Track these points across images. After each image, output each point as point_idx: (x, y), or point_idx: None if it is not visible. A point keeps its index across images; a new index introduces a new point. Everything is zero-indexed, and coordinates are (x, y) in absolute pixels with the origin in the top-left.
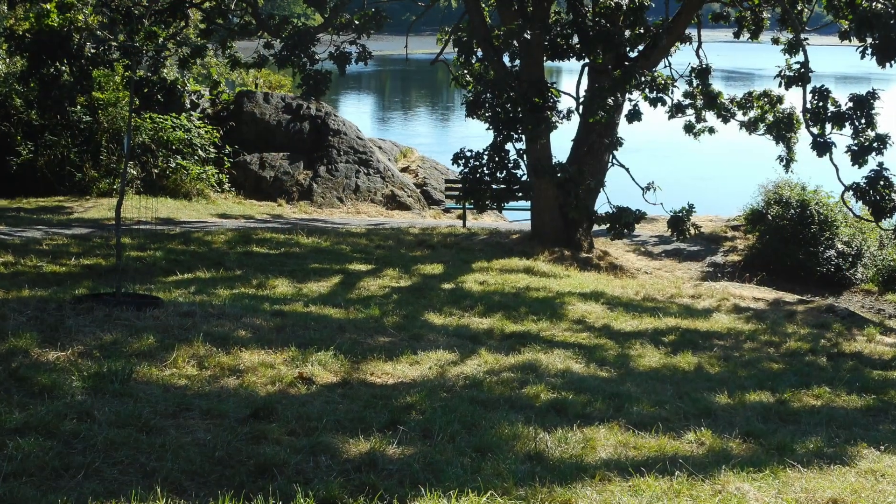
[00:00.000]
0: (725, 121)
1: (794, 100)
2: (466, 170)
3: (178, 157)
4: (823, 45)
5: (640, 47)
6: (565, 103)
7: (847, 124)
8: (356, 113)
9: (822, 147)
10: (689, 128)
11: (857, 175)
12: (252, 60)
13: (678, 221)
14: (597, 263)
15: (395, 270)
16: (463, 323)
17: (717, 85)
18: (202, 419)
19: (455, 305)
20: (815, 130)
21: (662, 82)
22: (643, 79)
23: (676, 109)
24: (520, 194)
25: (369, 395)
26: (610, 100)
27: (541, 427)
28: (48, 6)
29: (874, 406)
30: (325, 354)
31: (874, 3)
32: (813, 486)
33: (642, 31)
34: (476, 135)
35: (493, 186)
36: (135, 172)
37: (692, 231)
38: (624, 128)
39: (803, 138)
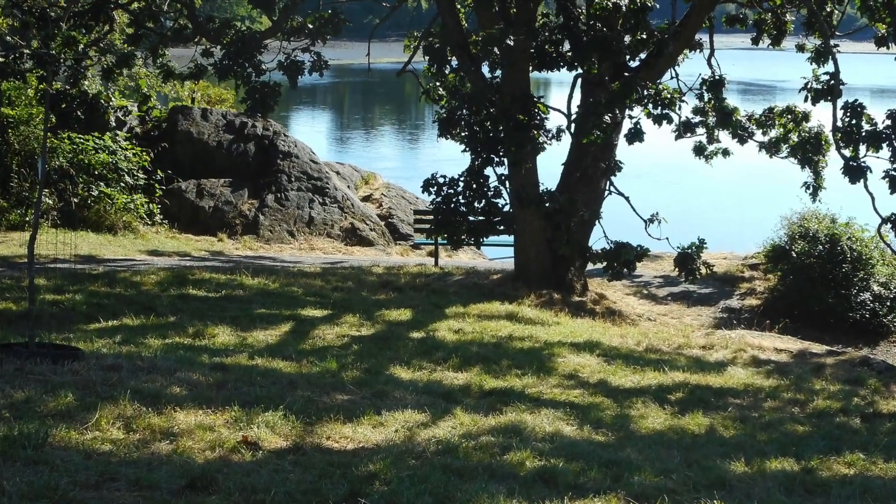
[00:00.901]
0: (742, 141)
1: (822, 117)
2: (439, 199)
3: (102, 183)
4: (857, 52)
5: (643, 55)
6: (554, 121)
7: (885, 146)
8: (310, 132)
9: (855, 172)
10: (699, 149)
11: None
12: (188, 71)
13: (687, 259)
14: (591, 308)
15: (355, 316)
16: (435, 378)
17: (732, 99)
18: (129, 491)
19: (426, 357)
20: (847, 153)
21: (668, 96)
22: (646, 92)
23: (685, 128)
24: (501, 228)
25: (325, 462)
26: (607, 117)
27: (526, 500)
28: None
29: None
30: (273, 415)
31: None
32: None
33: (645, 36)
34: (450, 158)
35: (471, 218)
36: (51, 202)
37: (703, 271)
38: (623, 150)
39: (833, 162)
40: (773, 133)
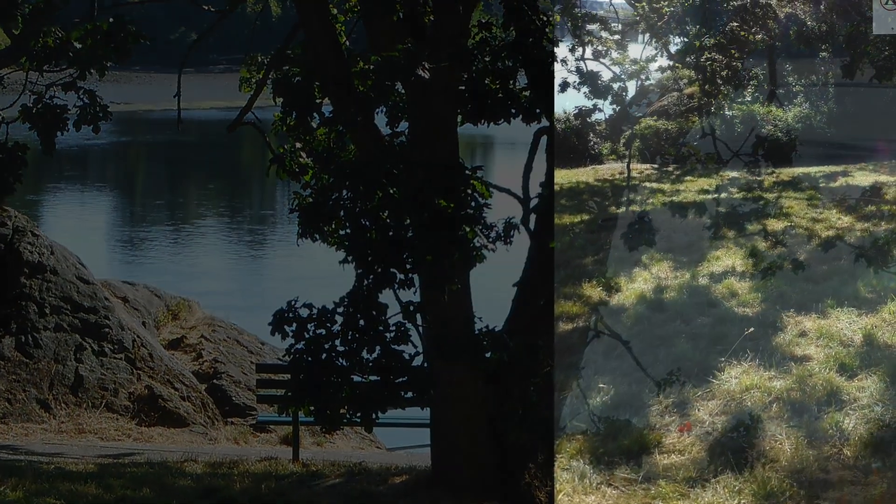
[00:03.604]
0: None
1: None
2: (300, 345)
3: None
4: None
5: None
6: (501, 209)
7: None
8: (77, 230)
9: None
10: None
11: None
12: None
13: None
14: None
15: None
16: None
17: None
18: None
19: None
20: None
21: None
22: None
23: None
24: (409, 395)
25: None
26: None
27: None
28: None
29: None
30: None
31: None
32: None
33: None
34: (320, 275)
35: (356, 379)
36: None
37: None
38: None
39: None
40: None
